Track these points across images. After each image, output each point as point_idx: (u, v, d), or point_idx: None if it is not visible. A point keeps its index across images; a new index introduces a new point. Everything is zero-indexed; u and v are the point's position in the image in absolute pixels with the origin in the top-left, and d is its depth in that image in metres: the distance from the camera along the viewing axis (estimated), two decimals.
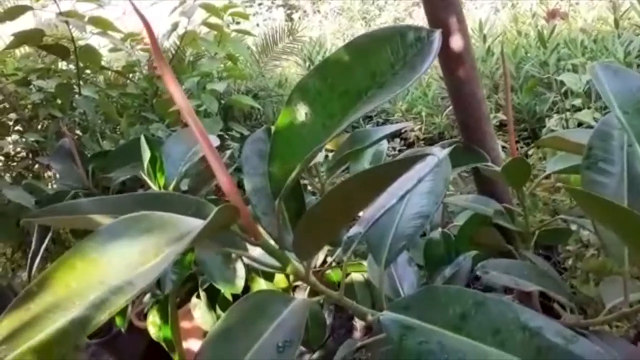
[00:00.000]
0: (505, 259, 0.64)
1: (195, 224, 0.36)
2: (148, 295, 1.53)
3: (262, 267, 0.64)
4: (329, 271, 1.20)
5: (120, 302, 0.29)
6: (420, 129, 2.27)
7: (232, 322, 0.44)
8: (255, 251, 0.57)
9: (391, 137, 2.30)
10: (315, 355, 1.74)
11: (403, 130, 2.45)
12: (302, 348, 1.57)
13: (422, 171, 0.57)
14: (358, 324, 1.62)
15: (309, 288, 1.20)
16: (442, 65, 0.73)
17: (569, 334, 0.43)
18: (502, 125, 2.01)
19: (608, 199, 0.47)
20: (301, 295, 1.27)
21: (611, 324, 1.10)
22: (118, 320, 1.18)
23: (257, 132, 0.58)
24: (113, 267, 0.33)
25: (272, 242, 0.48)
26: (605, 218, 0.49)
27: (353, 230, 0.57)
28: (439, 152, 0.61)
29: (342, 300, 0.56)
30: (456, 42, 0.68)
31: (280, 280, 1.17)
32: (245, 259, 0.76)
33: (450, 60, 0.70)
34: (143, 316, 1.39)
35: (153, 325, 1.24)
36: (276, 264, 0.51)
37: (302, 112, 0.47)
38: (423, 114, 2.36)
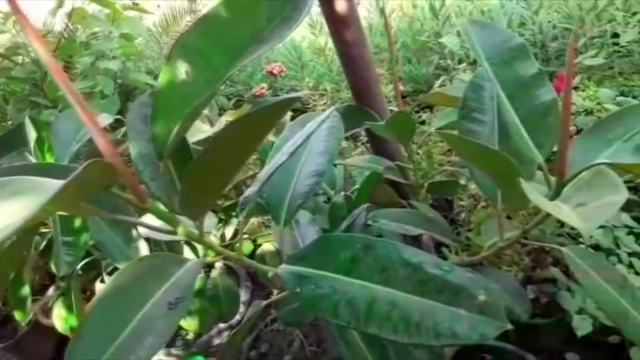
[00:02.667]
0: (396, 209, 0.68)
1: None
2: (52, 289, 1.45)
3: (156, 236, 0.63)
4: (238, 244, 1.20)
5: None
6: (325, 103, 2.31)
7: (124, 282, 0.43)
8: (147, 218, 0.56)
9: (297, 111, 2.31)
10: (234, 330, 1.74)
11: (311, 106, 2.48)
12: (222, 325, 1.58)
13: (311, 128, 0.59)
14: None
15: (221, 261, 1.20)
16: (330, 30, 0.74)
17: (447, 265, 0.47)
18: (403, 97, 2.10)
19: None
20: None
21: (500, 267, 1.21)
22: (17, 315, 1.10)
23: (141, 96, 0.57)
24: None
25: (161, 205, 0.48)
26: (477, 161, 0.54)
27: (248, 191, 0.57)
28: (328, 112, 0.63)
29: (242, 259, 0.57)
30: (341, 5, 0.70)
31: (210, 254, 1.15)
32: (142, 230, 0.74)
33: (337, 24, 0.72)
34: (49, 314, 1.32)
35: (59, 318, 1.17)
36: (168, 227, 0.50)
37: (182, 70, 0.47)
38: (328, 88, 2.40)
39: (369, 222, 0.63)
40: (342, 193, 1.05)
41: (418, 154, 1.46)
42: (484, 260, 1.14)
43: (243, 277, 1.72)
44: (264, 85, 2.00)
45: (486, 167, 0.51)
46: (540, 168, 0.55)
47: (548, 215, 0.55)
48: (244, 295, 1.64)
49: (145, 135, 0.54)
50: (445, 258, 0.72)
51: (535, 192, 0.40)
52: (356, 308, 0.47)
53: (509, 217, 1.08)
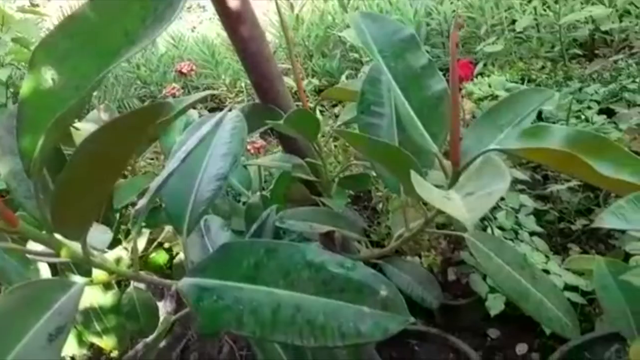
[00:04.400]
0: (304, 207, 0.67)
1: None
2: None
3: (48, 260, 0.58)
4: (153, 254, 1.14)
5: None
6: (243, 101, 2.27)
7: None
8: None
9: (213, 110, 2.26)
10: (163, 343, 1.68)
11: (228, 104, 2.43)
12: (147, 340, 1.51)
13: (204, 130, 0.56)
14: None
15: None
16: (224, 27, 0.72)
17: (349, 263, 0.47)
18: (320, 91, 2.11)
19: (380, 139, 0.51)
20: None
21: (421, 254, 1.24)
22: None
23: (11, 107, 0.52)
24: None
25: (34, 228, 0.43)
26: (373, 154, 0.53)
27: (140, 203, 0.54)
28: (222, 113, 0.61)
29: (138, 275, 0.54)
30: (232, 1, 0.67)
31: (100, 275, 1.08)
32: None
33: (230, 20, 0.69)
34: None
35: None
36: (50, 250, 0.46)
37: (48, 76, 0.42)
38: (244, 85, 2.36)
39: (276, 223, 0.61)
40: (259, 193, 1.03)
41: (335, 147, 1.47)
42: (400, 249, 1.16)
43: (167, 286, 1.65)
44: (176, 85, 1.93)
45: (382, 160, 0.51)
46: (437, 158, 0.55)
47: None
48: (169, 305, 1.58)
49: (16, 149, 0.49)
50: (357, 252, 0.72)
51: (424, 184, 0.40)
52: (261, 316, 0.45)
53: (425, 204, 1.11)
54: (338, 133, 0.51)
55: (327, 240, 0.76)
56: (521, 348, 1.31)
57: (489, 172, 0.43)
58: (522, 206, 1.00)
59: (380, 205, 1.19)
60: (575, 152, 0.46)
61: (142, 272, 0.54)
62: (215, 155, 0.67)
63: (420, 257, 1.20)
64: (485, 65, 1.81)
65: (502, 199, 1.02)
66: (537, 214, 1.19)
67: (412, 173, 0.42)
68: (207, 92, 1.07)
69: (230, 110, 0.65)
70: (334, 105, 1.99)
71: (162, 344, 1.69)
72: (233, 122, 0.70)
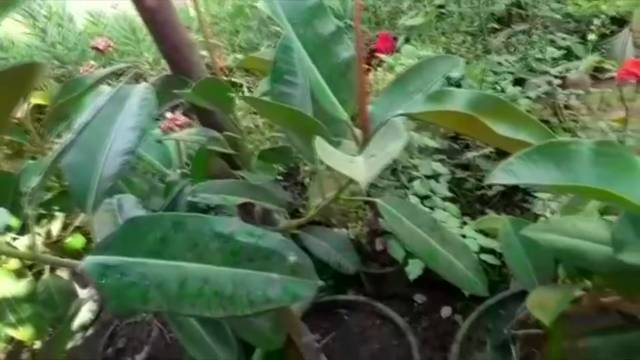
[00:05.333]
0: (218, 180, 0.66)
1: None
2: None
3: None
4: (69, 239, 1.09)
5: None
6: None
7: None
8: None
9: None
10: (90, 331, 1.63)
11: (149, 80, 2.33)
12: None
13: (99, 103, 0.53)
14: None
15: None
16: None
17: (259, 232, 0.46)
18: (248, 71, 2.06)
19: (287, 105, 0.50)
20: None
21: (347, 224, 1.26)
22: None
23: None
24: None
25: None
26: (282, 121, 0.53)
27: (33, 181, 0.50)
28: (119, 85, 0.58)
29: (39, 257, 0.51)
30: None
31: (11, 261, 1.02)
32: None
33: None
34: None
35: None
36: None
37: None
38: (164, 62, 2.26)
39: (189, 197, 0.60)
40: (179, 171, 1.00)
41: (264, 123, 1.45)
42: (328, 221, 1.17)
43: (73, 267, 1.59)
44: (94, 63, 1.82)
45: (291, 127, 0.51)
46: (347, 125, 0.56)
47: None
48: (92, 290, 1.52)
49: None
50: (276, 224, 0.72)
51: (326, 148, 0.40)
52: (167, 291, 0.44)
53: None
54: (245, 100, 0.50)
55: (246, 213, 0.75)
56: (446, 311, 1.37)
57: (389, 135, 0.43)
58: (436, 174, 1.03)
59: (308, 180, 1.20)
60: (475, 114, 0.48)
61: (46, 255, 0.51)
62: (123, 129, 0.64)
63: (347, 228, 1.22)
64: (408, 40, 1.84)
65: (417, 168, 1.05)
66: (457, 182, 1.23)
67: (317, 138, 0.42)
68: (118, 66, 1.01)
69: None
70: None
71: (90, 331, 1.63)
72: (142, 94, 0.67)
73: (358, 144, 0.55)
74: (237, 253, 0.45)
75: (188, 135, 0.78)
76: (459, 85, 1.53)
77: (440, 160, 1.29)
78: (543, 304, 0.50)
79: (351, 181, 0.60)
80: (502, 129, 0.48)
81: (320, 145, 0.39)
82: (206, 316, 0.44)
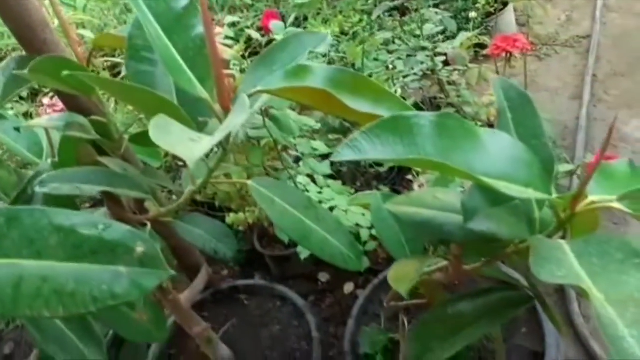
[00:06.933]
0: (73, 168, 0.61)
1: None
2: None
3: None
4: None
5: None
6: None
7: None
8: None
9: None
10: None
11: None
12: None
13: None
14: None
15: None
16: None
17: (104, 223, 0.43)
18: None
19: (138, 85, 0.46)
20: None
21: (245, 210, 1.23)
22: None
23: None
24: None
25: None
26: (133, 102, 0.49)
27: None
28: None
29: None
30: None
31: None
32: None
33: None
34: None
35: None
36: None
37: None
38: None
39: (36, 188, 0.54)
40: (49, 160, 0.92)
41: None
42: (224, 207, 1.14)
43: None
44: None
45: (149, 110, 0.47)
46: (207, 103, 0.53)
47: None
48: None
49: None
50: (147, 211, 0.68)
51: (163, 127, 0.37)
52: (1, 294, 0.40)
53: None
54: (84, 79, 0.46)
55: (114, 203, 0.70)
56: (348, 287, 1.40)
57: (237, 111, 0.41)
58: (315, 151, 1.04)
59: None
60: (332, 90, 0.47)
61: None
62: None
63: (245, 213, 1.20)
64: (297, 18, 1.82)
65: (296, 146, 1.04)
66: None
67: (157, 118, 0.39)
68: None
69: None
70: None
71: None
72: None
73: (221, 122, 0.53)
74: (80, 247, 0.42)
75: (48, 121, 0.71)
76: (353, 65, 1.54)
77: (337, 140, 1.29)
78: (399, 275, 0.51)
79: (221, 160, 0.58)
80: (359, 105, 0.48)
81: (155, 125, 0.37)
82: (46, 316, 0.40)
